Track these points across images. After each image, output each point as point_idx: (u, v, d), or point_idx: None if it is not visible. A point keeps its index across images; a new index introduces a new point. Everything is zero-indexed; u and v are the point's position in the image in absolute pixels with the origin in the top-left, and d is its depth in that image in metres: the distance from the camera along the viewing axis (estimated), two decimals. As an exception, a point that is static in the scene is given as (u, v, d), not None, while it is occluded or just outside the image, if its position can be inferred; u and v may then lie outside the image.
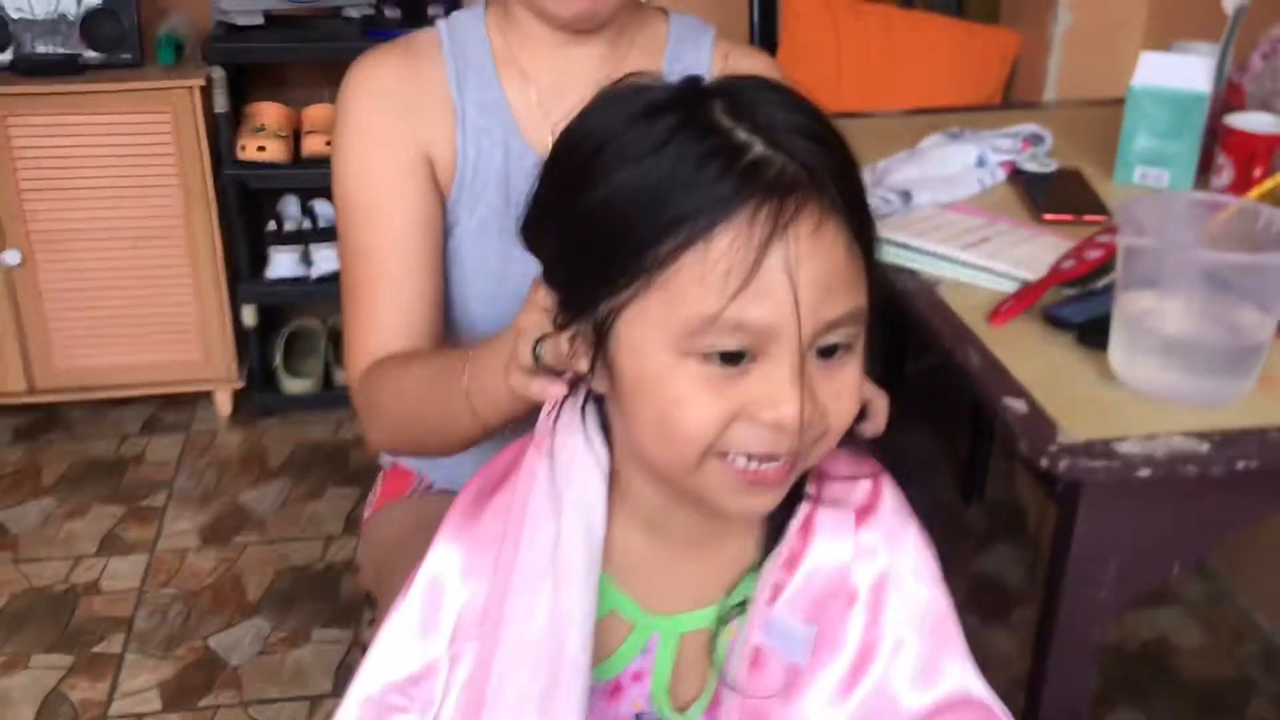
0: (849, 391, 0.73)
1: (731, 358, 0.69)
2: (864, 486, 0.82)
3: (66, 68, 2.37)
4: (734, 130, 0.68)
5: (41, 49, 2.38)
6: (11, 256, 2.46)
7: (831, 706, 0.78)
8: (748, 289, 0.67)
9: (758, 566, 0.81)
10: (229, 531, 2.35)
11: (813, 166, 0.68)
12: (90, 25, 2.38)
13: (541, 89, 1.16)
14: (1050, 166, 1.61)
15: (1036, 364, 1.18)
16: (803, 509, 0.80)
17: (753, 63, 1.21)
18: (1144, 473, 1.03)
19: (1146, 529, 1.18)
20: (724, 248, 0.67)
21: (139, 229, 2.50)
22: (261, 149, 2.47)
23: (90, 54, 2.39)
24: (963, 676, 0.80)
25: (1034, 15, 2.50)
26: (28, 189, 2.42)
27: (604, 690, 0.82)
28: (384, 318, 1.09)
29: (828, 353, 0.71)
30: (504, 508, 0.80)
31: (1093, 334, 1.18)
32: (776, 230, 0.66)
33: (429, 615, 0.80)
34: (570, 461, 0.78)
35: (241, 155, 2.48)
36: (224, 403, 2.73)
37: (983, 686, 0.81)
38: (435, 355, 1.05)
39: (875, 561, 0.80)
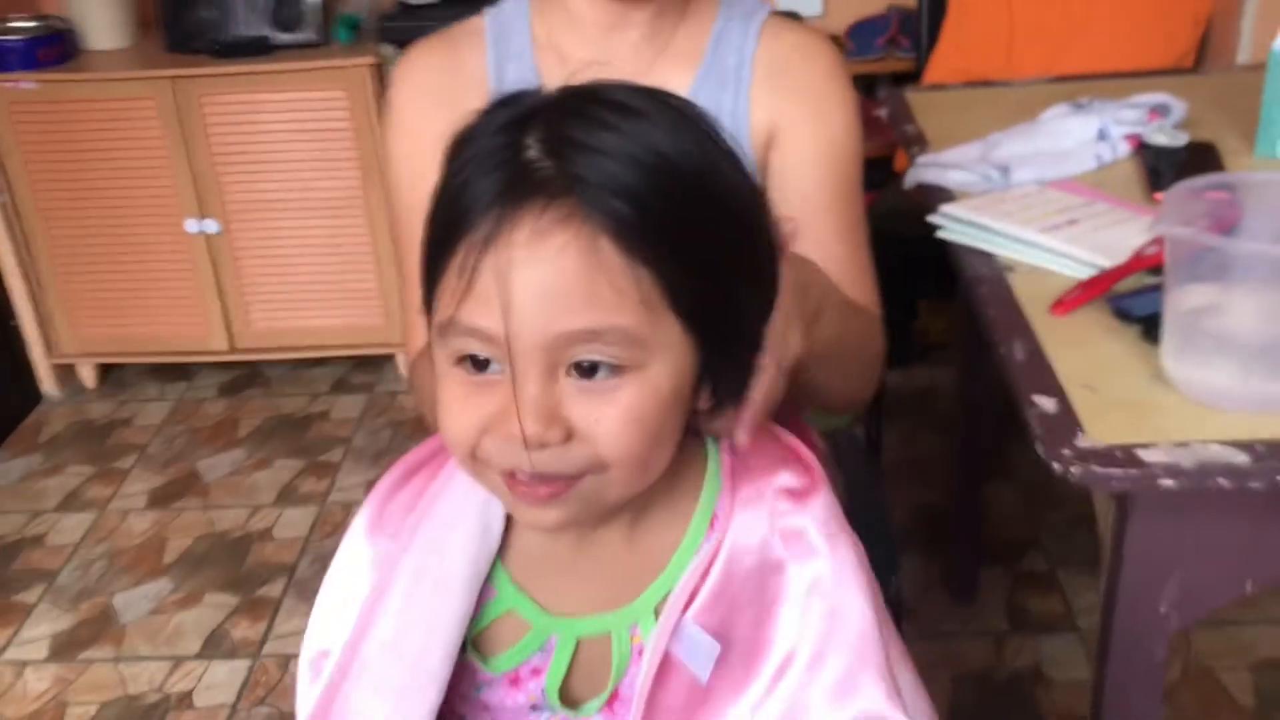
0: (616, 417, 0.68)
1: (478, 364, 0.69)
2: (801, 486, 0.79)
3: (256, 48, 2.53)
4: (527, 142, 0.67)
5: (236, 32, 2.55)
6: (211, 225, 2.66)
7: (742, 717, 0.76)
8: (470, 294, 0.66)
9: (670, 573, 0.79)
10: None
11: (575, 175, 0.65)
12: (278, 7, 2.53)
13: (579, 73, 1.15)
14: (1180, 140, 1.48)
15: (1090, 360, 1.10)
16: (719, 515, 0.78)
17: (801, 39, 1.16)
18: (1167, 483, 0.95)
19: (1213, 543, 1.08)
20: (460, 253, 0.67)
21: (322, 201, 2.65)
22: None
23: (278, 35, 2.55)
24: (877, 698, 0.76)
25: (1231, -32, 2.29)
26: (221, 163, 2.61)
27: (503, 680, 0.83)
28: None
29: (587, 372, 0.67)
30: (415, 497, 0.82)
31: (1156, 329, 1.09)
32: (493, 236, 0.65)
33: (338, 596, 0.84)
34: None
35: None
36: (404, 365, 2.87)
37: (897, 710, 0.76)
38: None
39: (809, 565, 0.77)
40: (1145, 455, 0.96)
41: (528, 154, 0.67)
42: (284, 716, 1.90)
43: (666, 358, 0.69)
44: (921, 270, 1.88)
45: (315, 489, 2.50)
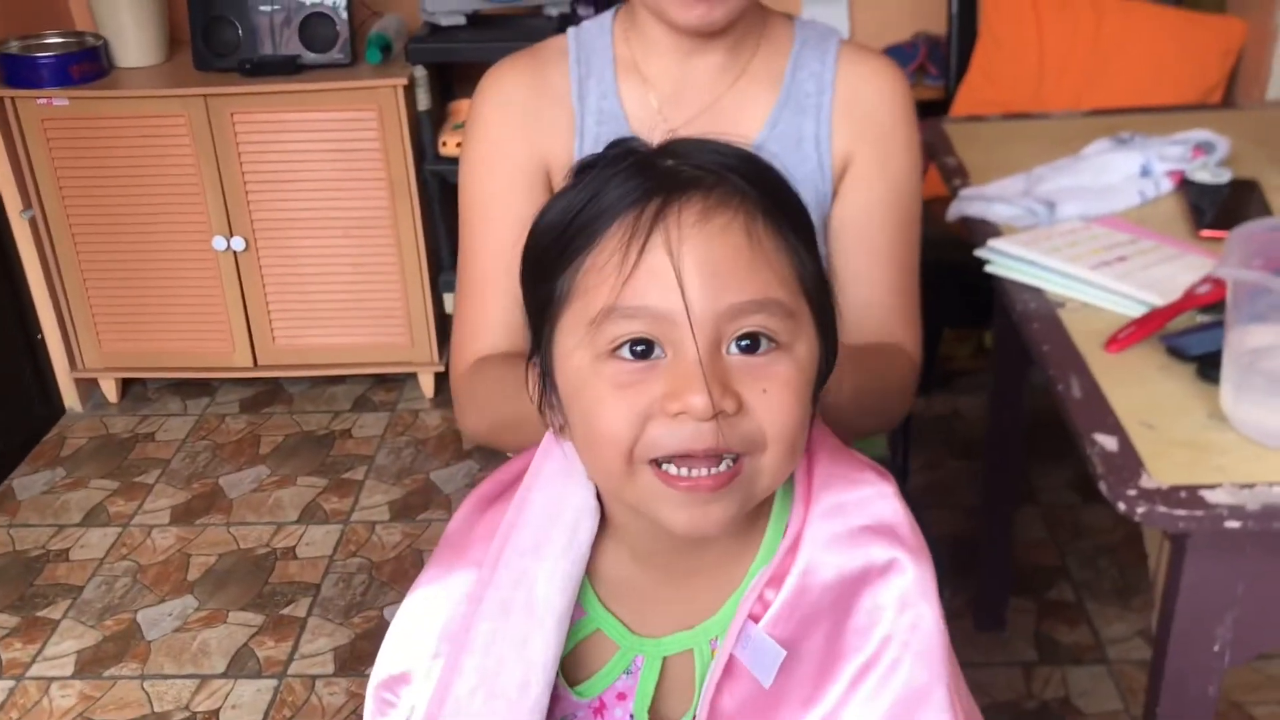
0: (779, 391, 0.71)
1: (640, 351, 0.70)
2: (878, 500, 0.79)
3: (286, 68, 2.55)
4: (658, 158, 0.73)
5: (265, 51, 2.57)
6: (237, 243, 2.67)
7: None
8: (636, 274, 0.69)
9: (748, 585, 0.80)
10: (417, 508, 2.48)
11: (714, 168, 0.71)
12: (308, 28, 2.55)
13: (662, 96, 1.17)
14: (1223, 177, 1.49)
15: (1146, 398, 1.10)
16: (790, 525, 0.78)
17: (875, 69, 1.17)
18: (1232, 524, 0.95)
19: (1270, 583, 1.09)
20: (615, 241, 0.70)
21: (349, 220, 2.66)
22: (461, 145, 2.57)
23: (308, 55, 2.56)
24: (943, 714, 0.76)
25: (1261, 1, 2.30)
26: (250, 181, 2.62)
27: (588, 708, 0.83)
28: (489, 320, 1.14)
29: (750, 347, 0.71)
30: (495, 527, 0.82)
31: (1212, 368, 1.10)
32: (659, 217, 0.69)
33: (417, 622, 0.84)
34: (560, 497, 0.80)
35: (443, 151, 2.59)
36: (427, 385, 2.88)
37: None
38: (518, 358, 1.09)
39: (892, 576, 0.77)
40: (1209, 496, 0.96)
41: (666, 164, 0.72)
42: (311, 737, 1.90)
43: (806, 338, 0.74)
44: (946, 297, 1.90)
45: (338, 507, 2.50)
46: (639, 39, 1.17)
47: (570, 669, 0.83)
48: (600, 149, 0.91)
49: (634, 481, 0.72)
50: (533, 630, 0.79)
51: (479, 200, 1.17)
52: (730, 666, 0.77)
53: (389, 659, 0.85)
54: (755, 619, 0.77)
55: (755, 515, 0.80)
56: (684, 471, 0.71)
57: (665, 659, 0.81)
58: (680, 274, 0.68)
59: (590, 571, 0.82)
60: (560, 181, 1.16)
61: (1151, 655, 1.17)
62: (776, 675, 0.76)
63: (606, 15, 1.22)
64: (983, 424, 2.50)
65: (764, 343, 0.71)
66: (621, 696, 0.82)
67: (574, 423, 0.75)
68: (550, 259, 0.73)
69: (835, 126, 1.15)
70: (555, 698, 0.83)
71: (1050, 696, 1.89)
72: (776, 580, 0.77)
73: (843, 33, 2.81)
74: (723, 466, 0.71)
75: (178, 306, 2.78)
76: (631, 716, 0.82)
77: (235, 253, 2.69)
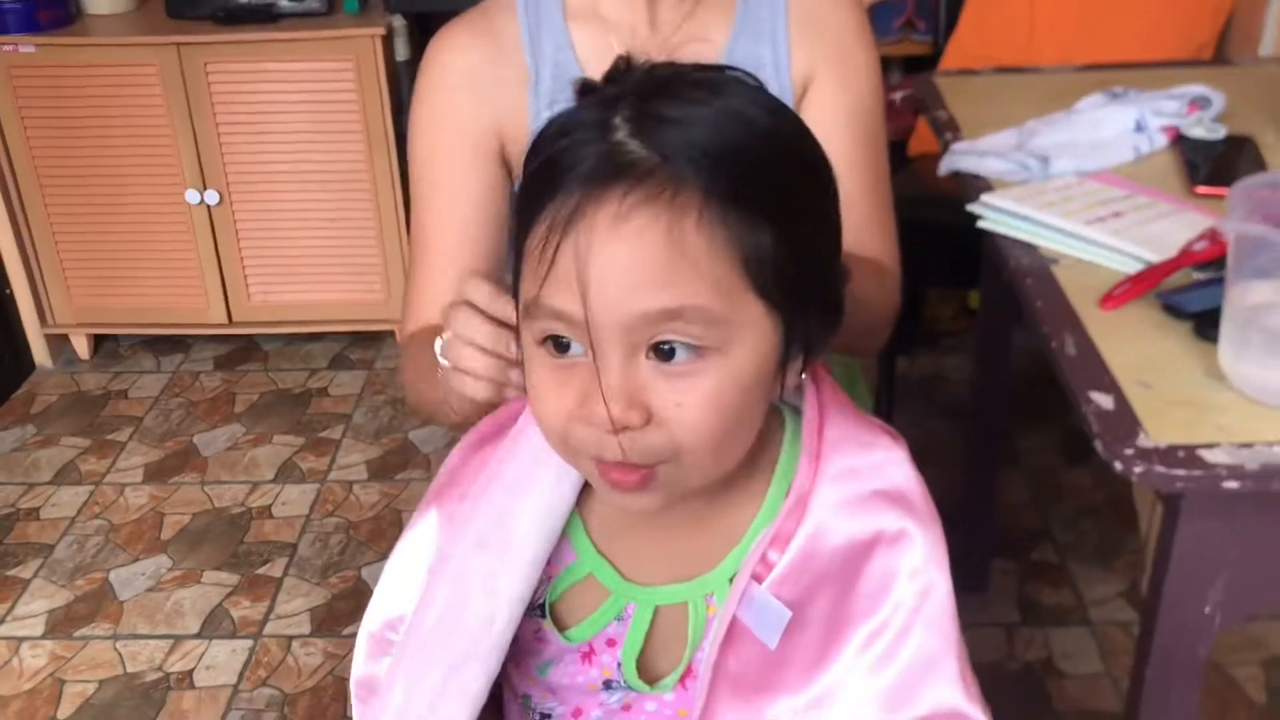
0: (695, 404, 0.67)
1: (560, 346, 0.68)
2: (890, 465, 0.77)
3: (261, 16, 2.49)
4: (615, 122, 0.67)
5: (240, -1, 2.51)
6: (211, 196, 2.61)
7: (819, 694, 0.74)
8: (551, 275, 0.66)
9: (746, 543, 0.78)
10: (395, 467, 2.45)
11: (661, 154, 0.65)
12: (284, -25, 2.49)
13: (622, 37, 1.13)
14: (1218, 133, 1.47)
15: (1141, 355, 1.08)
16: (796, 485, 0.76)
17: (832, 4, 1.15)
18: (1231, 485, 0.93)
19: (1264, 545, 1.07)
20: (541, 232, 0.67)
21: (325, 174, 2.61)
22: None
23: (284, 3, 2.50)
24: (953, 683, 0.74)
25: (1254, -41, 2.27)
26: (224, 133, 2.56)
27: (576, 653, 0.81)
28: (433, 291, 1.10)
29: (666, 354, 0.66)
30: (484, 464, 0.81)
31: (1209, 326, 1.07)
32: (574, 216, 0.65)
33: (408, 562, 0.83)
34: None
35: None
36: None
37: (972, 701, 0.75)
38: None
39: (902, 542, 0.75)
40: (1208, 456, 0.94)
41: (615, 135, 0.66)
42: (287, 699, 1.88)
43: (748, 338, 0.68)
44: (932, 258, 1.87)
45: (315, 466, 2.46)
46: None
47: (560, 614, 0.81)
48: (556, 106, 0.85)
49: (574, 462, 0.73)
50: (505, 567, 0.78)
51: (427, 171, 1.14)
52: (733, 627, 0.75)
53: (383, 602, 0.84)
54: (758, 579, 0.75)
55: (755, 468, 0.78)
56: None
57: (657, 609, 0.79)
58: (585, 280, 0.65)
59: (584, 515, 0.81)
60: (514, 147, 1.12)
61: (1141, 616, 1.15)
62: (783, 639, 0.74)
63: None
64: (966, 385, 2.49)
65: (682, 351, 0.66)
66: (611, 643, 0.80)
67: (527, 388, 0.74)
68: (517, 235, 0.71)
69: (793, 49, 1.13)
70: (543, 641, 0.82)
71: (1033, 658, 1.89)
72: (780, 541, 0.75)
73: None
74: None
75: (150, 261, 2.73)
76: (619, 664, 0.80)
77: (209, 206, 2.63)
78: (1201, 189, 1.35)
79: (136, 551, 2.23)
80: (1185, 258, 1.18)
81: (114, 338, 2.93)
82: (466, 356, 0.82)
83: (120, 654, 1.99)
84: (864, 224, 1.13)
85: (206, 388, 2.76)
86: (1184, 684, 1.15)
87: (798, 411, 0.79)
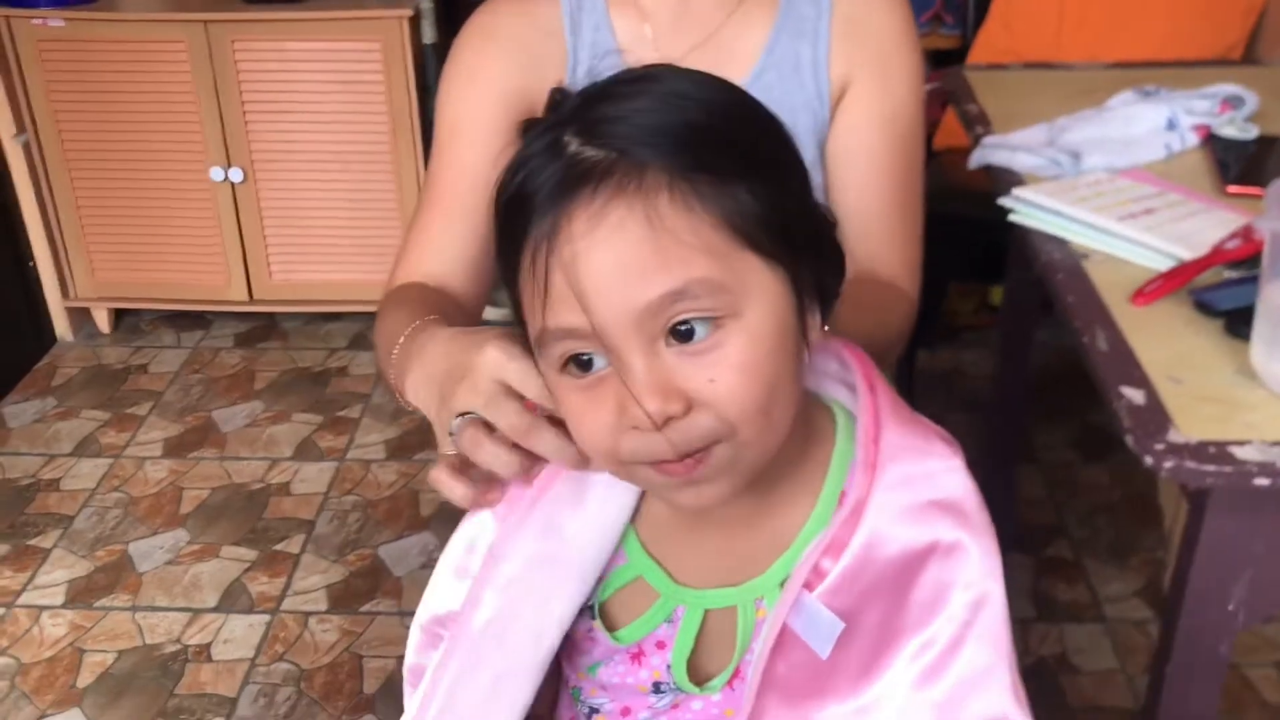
0: (728, 375, 0.66)
1: (582, 365, 0.68)
2: (947, 474, 0.75)
3: (290, -5, 2.49)
4: (565, 140, 0.67)
5: (269, -24, 2.51)
6: (235, 174, 2.62)
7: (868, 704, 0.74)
8: (549, 298, 0.66)
9: (796, 548, 0.77)
10: (413, 448, 2.46)
11: (614, 149, 0.65)
12: (313, -45, 2.49)
13: (658, 26, 1.13)
14: (1250, 133, 1.47)
15: (1173, 352, 1.08)
16: (851, 491, 0.75)
17: (881, 6, 1.14)
18: (1262, 482, 0.93)
19: (1284, 543, 1.07)
20: (527, 262, 0.67)
21: (349, 154, 2.62)
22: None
23: (313, -18, 2.51)
24: (1005, 697, 0.74)
25: (1286, -42, 2.26)
26: (250, 111, 2.57)
27: (626, 654, 0.81)
28: (430, 243, 1.10)
29: (685, 335, 0.65)
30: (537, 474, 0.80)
31: (1241, 324, 1.07)
32: (551, 236, 0.65)
33: (464, 557, 0.82)
34: None
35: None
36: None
37: (1022, 713, 0.75)
38: (417, 307, 1.00)
39: (958, 553, 0.74)
40: (1239, 452, 0.94)
41: (569, 150, 0.66)
42: (303, 674, 1.89)
43: (757, 296, 0.67)
44: (955, 252, 1.87)
45: (334, 445, 2.47)
46: None
47: (610, 615, 0.81)
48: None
49: (632, 476, 0.71)
50: (557, 585, 0.77)
51: (449, 123, 1.12)
52: (783, 633, 0.74)
53: (434, 598, 0.84)
54: (810, 587, 0.74)
55: (806, 470, 0.77)
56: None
57: (706, 612, 0.79)
58: (581, 294, 0.64)
59: (633, 517, 0.80)
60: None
61: (1164, 612, 1.16)
62: (835, 647, 0.74)
63: None
64: (984, 380, 2.49)
65: (701, 327, 0.65)
66: (660, 645, 0.80)
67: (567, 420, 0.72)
68: (500, 270, 0.71)
69: (833, 50, 1.12)
70: (593, 640, 0.81)
71: (1047, 653, 1.89)
72: (834, 549, 0.74)
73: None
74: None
75: (173, 237, 2.74)
76: (669, 666, 0.80)
77: (233, 184, 2.64)
78: (1233, 188, 1.35)
79: (155, 525, 2.24)
80: (1217, 255, 1.18)
81: (135, 312, 2.94)
82: (489, 454, 0.76)
83: (139, 625, 2.00)
84: (889, 237, 1.12)
85: (226, 364, 2.77)
86: (1205, 681, 1.15)
87: (850, 415, 0.78)
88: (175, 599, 2.06)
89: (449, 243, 1.10)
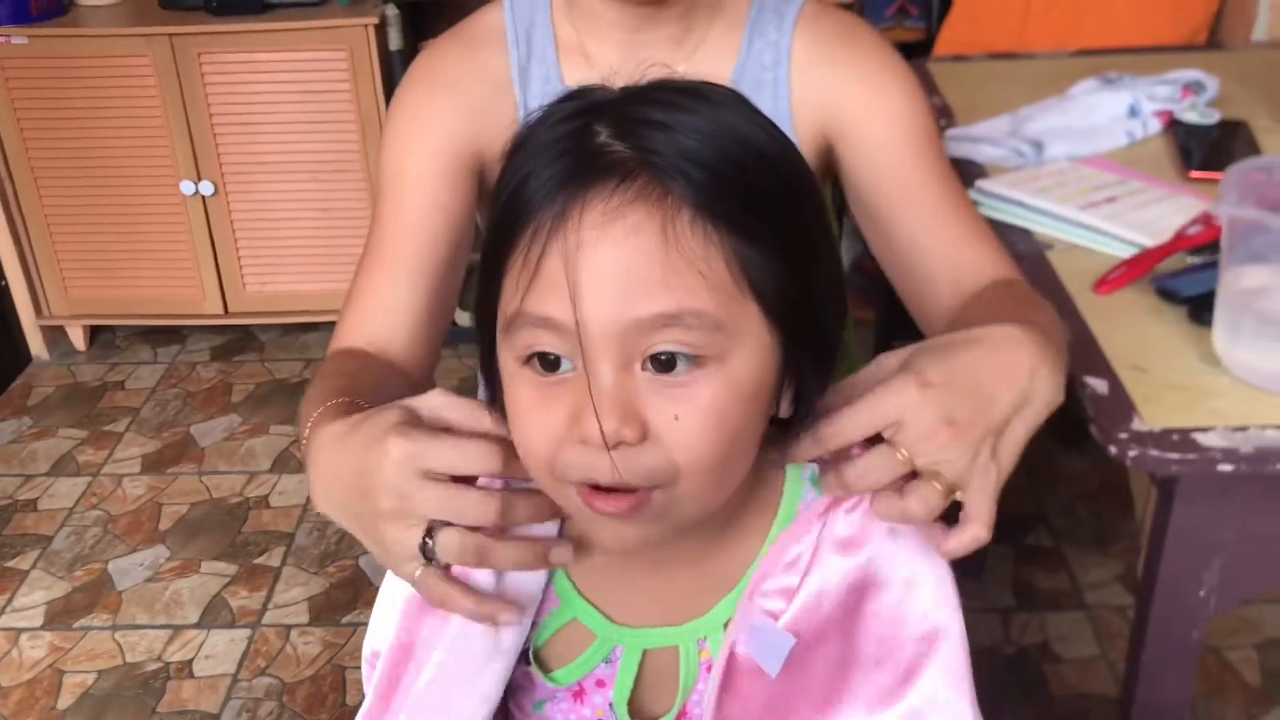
0: (695, 416, 0.62)
1: (547, 364, 0.64)
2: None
3: (254, 6, 2.48)
4: (596, 129, 0.63)
5: (233, -11, 2.50)
6: (206, 187, 2.61)
7: None
8: (537, 281, 0.62)
9: (743, 588, 0.75)
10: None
11: (648, 150, 0.61)
12: (276, -35, 2.48)
13: (606, 76, 1.08)
14: (1212, 118, 1.47)
15: (1136, 340, 1.09)
16: (798, 527, 0.74)
17: (836, 27, 1.05)
18: (1225, 468, 0.94)
19: (1259, 529, 1.07)
20: (525, 240, 0.63)
21: (319, 163, 2.61)
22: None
23: (277, -7, 2.50)
24: None
25: (1248, -57, 2.26)
26: (218, 124, 2.56)
27: (568, 692, 0.80)
28: (373, 304, 1.00)
29: (664, 365, 0.62)
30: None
31: (1204, 310, 1.08)
32: (560, 219, 0.61)
33: (386, 605, 0.80)
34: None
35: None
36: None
37: None
38: (342, 382, 0.89)
39: (912, 586, 0.73)
40: (1202, 439, 0.95)
41: (598, 139, 0.63)
42: (286, 687, 1.88)
43: (748, 348, 0.64)
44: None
45: (312, 456, 2.46)
46: (579, 14, 1.05)
47: (548, 657, 0.79)
48: None
49: (561, 494, 0.67)
50: (493, 643, 0.75)
51: (394, 171, 1.03)
52: (732, 667, 0.73)
53: (371, 634, 0.81)
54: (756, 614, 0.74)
55: (753, 510, 0.75)
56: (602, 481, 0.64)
57: (646, 651, 0.77)
58: (575, 285, 0.61)
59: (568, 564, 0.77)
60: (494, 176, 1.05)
61: (1136, 601, 1.16)
62: (787, 678, 0.72)
63: None
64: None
65: (682, 361, 0.62)
66: (601, 684, 0.79)
67: (508, 416, 0.69)
68: (490, 254, 0.66)
69: (797, 100, 1.03)
70: (532, 683, 0.80)
71: (1029, 642, 1.89)
72: (784, 589, 0.73)
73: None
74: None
75: (146, 252, 2.72)
76: (610, 705, 0.78)
77: (204, 197, 2.63)
78: (1195, 174, 1.35)
79: (135, 542, 2.23)
80: (1179, 242, 1.18)
81: (110, 329, 2.93)
82: (466, 604, 0.72)
83: (119, 644, 1.99)
84: (958, 242, 1.00)
85: (203, 378, 2.76)
86: (1179, 668, 1.15)
87: None
88: (156, 616, 2.05)
89: (393, 304, 1.00)
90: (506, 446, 0.69)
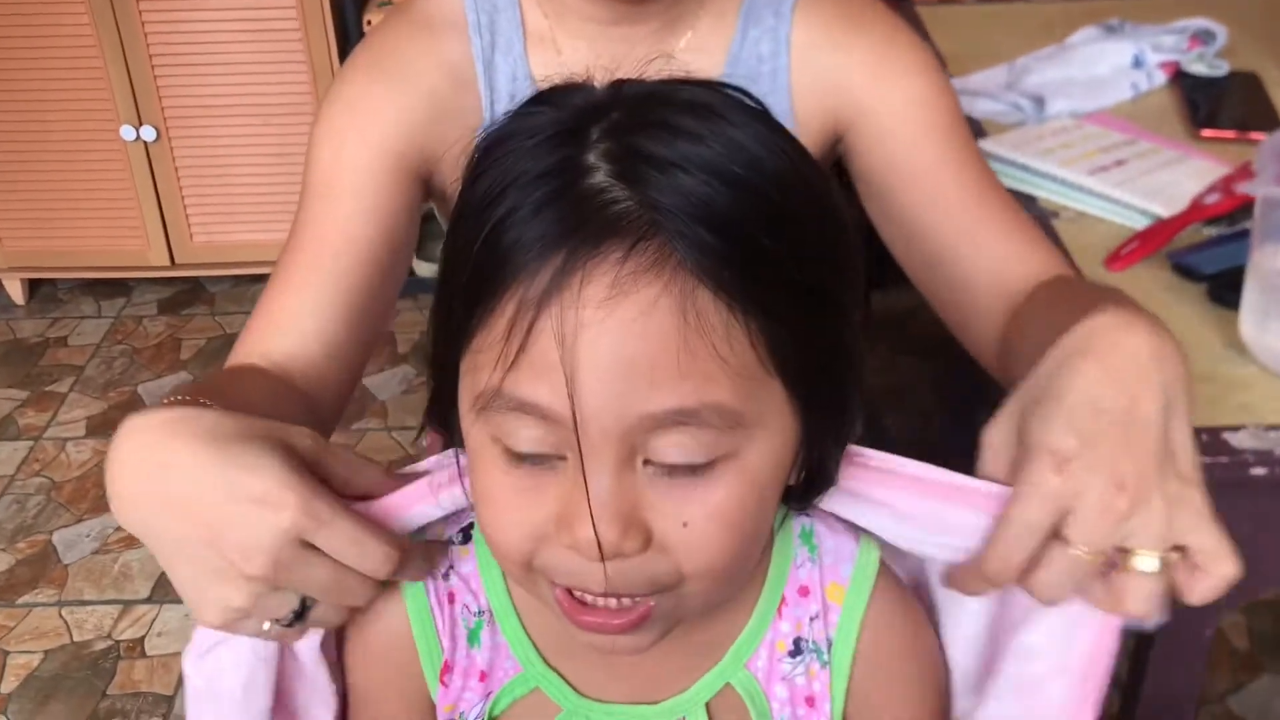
0: (705, 524, 0.53)
1: (528, 457, 0.54)
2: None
3: (195, -61, 2.33)
4: (588, 160, 0.52)
5: (171, -80, 2.34)
6: (148, 132, 2.47)
7: None
8: (523, 360, 0.51)
9: (728, 664, 0.68)
10: (351, 416, 2.35)
11: (657, 206, 0.51)
12: (217, -106, 2.32)
13: (587, 71, 0.91)
14: (1221, 69, 1.38)
15: (1154, 322, 1.00)
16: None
17: (839, 12, 0.92)
18: (1259, 471, 0.86)
19: (1273, 524, 1.01)
20: (507, 305, 0.52)
21: (268, 106, 2.47)
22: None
23: (219, -75, 2.35)
24: None
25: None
26: (159, 65, 2.42)
27: None
28: (281, 315, 0.84)
29: (673, 466, 0.53)
30: None
31: (1226, 289, 1.00)
32: (553, 289, 0.50)
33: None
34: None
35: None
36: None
37: None
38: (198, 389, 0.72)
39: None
40: (1233, 440, 0.87)
41: (593, 179, 0.52)
42: (243, 665, 1.80)
43: (767, 435, 0.55)
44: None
45: (267, 416, 2.36)
46: (551, 3, 0.91)
47: None
48: None
49: (538, 589, 0.58)
50: None
51: (326, 173, 0.88)
52: None
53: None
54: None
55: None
56: (588, 599, 0.56)
57: None
58: (573, 372, 0.50)
59: (525, 620, 0.68)
60: (451, 182, 0.81)
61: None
62: None
63: None
64: (939, 323, 2.42)
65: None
66: None
67: (472, 494, 0.59)
68: (453, 298, 0.55)
69: (798, 91, 0.91)
70: None
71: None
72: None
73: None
74: (627, 600, 0.56)
75: (87, 201, 2.58)
76: None
77: (146, 143, 2.49)
78: (1208, 132, 1.27)
79: (81, 511, 2.13)
80: (1196, 211, 1.10)
81: (51, 282, 2.79)
82: (334, 620, 0.64)
83: (66, 621, 1.90)
84: (994, 223, 0.88)
85: (150, 333, 2.64)
86: (1189, 661, 1.09)
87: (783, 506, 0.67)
88: (104, 591, 1.96)
89: (305, 316, 0.83)
90: (401, 547, 0.61)
